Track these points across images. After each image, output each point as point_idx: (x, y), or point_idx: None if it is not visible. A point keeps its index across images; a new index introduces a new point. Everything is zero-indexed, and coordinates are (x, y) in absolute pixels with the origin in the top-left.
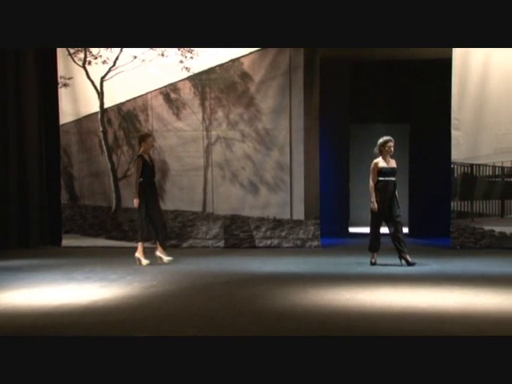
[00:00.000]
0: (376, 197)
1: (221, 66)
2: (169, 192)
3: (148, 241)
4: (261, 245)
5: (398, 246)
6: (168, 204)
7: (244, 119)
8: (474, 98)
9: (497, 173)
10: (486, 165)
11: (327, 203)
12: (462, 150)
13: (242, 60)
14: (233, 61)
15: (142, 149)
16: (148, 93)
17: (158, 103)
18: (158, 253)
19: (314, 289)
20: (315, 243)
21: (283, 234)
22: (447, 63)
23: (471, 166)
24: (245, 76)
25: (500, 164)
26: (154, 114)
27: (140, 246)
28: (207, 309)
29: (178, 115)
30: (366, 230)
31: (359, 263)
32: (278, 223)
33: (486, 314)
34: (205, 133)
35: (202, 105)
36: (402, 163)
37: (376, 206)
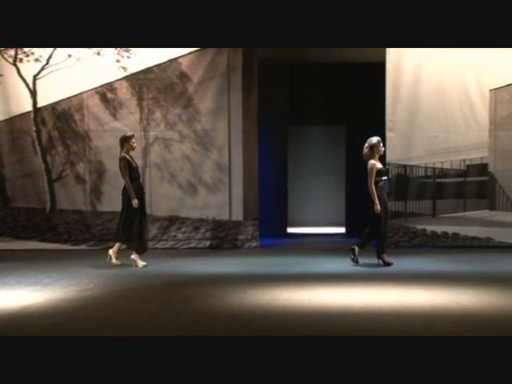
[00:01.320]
0: (378, 197)
1: (158, 65)
2: (106, 193)
3: (122, 241)
4: (200, 246)
5: (363, 243)
6: (105, 205)
7: (182, 120)
8: (407, 100)
9: (429, 174)
10: (418, 166)
11: (266, 204)
12: (396, 151)
13: (180, 60)
14: (171, 61)
15: (124, 150)
16: (83, 92)
17: (94, 103)
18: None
19: (253, 289)
20: (254, 244)
21: (222, 234)
22: (382, 66)
23: (405, 166)
24: (183, 76)
25: (432, 165)
26: (89, 114)
27: (117, 245)
28: (146, 310)
29: (114, 115)
30: (305, 230)
31: (297, 263)
32: (217, 224)
33: (420, 311)
34: (142, 133)
35: (140, 105)
36: (338, 164)
37: (379, 207)
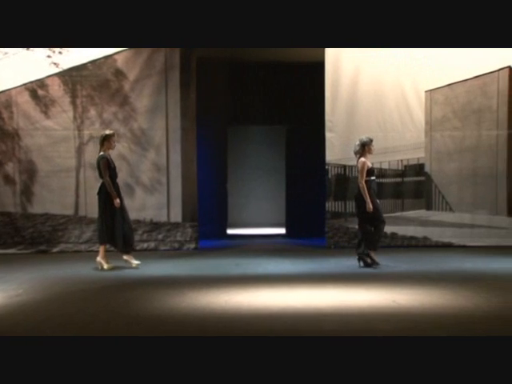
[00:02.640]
0: (370, 196)
1: (93, 62)
2: (37, 194)
3: (106, 243)
4: (137, 248)
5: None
6: (37, 207)
7: (118, 118)
8: (346, 101)
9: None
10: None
11: (205, 205)
12: (335, 151)
13: (116, 57)
14: (106, 58)
15: (103, 148)
16: (12, 88)
17: (24, 100)
18: (126, 257)
19: (193, 292)
20: (193, 246)
21: (160, 236)
22: (321, 66)
23: (344, 167)
24: (119, 74)
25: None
26: (19, 112)
27: (102, 249)
28: (81, 314)
29: (46, 113)
30: (245, 231)
31: (238, 265)
32: (154, 226)
33: (359, 311)
34: (76, 132)
35: (73, 103)
36: (279, 164)
37: (371, 206)
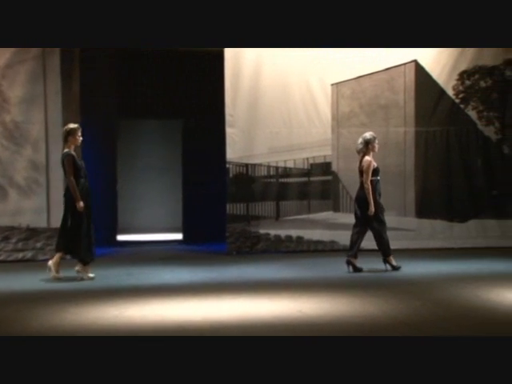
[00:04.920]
0: (373, 198)
1: None
2: None
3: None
4: (10, 259)
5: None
6: None
7: None
8: (247, 93)
9: (271, 173)
10: (261, 165)
11: (92, 208)
12: (236, 148)
13: None
14: None
15: (68, 144)
16: None
17: None
18: (79, 268)
19: (77, 307)
20: None
21: (39, 245)
22: (220, 54)
23: (246, 165)
24: None
25: (275, 164)
26: None
27: (57, 256)
28: None
29: None
30: (137, 237)
31: (129, 274)
32: (32, 232)
33: (262, 323)
34: None
35: None
36: (174, 164)
37: (373, 209)
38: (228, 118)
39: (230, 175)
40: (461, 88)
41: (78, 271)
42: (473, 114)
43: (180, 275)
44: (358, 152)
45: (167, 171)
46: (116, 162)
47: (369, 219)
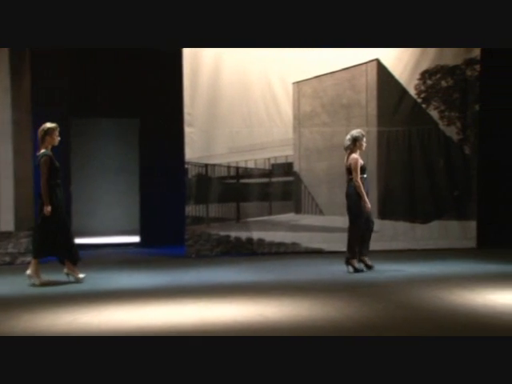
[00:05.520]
0: (362, 195)
1: None
2: None
3: (43, 257)
4: None
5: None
6: None
7: None
8: (207, 91)
9: (232, 174)
10: (220, 165)
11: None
12: (195, 148)
13: None
14: None
15: (44, 145)
16: None
17: None
18: (68, 270)
19: (29, 313)
20: (29, 259)
21: None
22: (179, 52)
23: (206, 166)
24: None
25: (235, 164)
26: None
27: (34, 262)
28: None
29: None
30: (92, 240)
31: (84, 279)
32: None
33: (222, 325)
34: None
35: None
36: (131, 164)
37: (369, 204)
38: (186, 116)
39: (189, 176)
40: (422, 87)
41: (67, 273)
42: (435, 114)
43: (138, 279)
44: (345, 149)
45: (124, 172)
46: (69, 163)
47: (359, 216)
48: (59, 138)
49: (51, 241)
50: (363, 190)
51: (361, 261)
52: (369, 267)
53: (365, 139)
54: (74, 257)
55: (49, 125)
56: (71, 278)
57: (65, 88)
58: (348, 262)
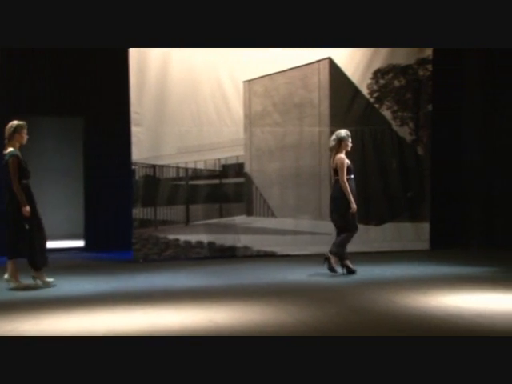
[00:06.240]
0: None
1: None
2: None
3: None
4: None
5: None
6: None
7: None
8: (154, 89)
9: (181, 175)
10: (169, 166)
11: None
12: (143, 148)
13: None
14: None
15: (12, 143)
16: None
17: None
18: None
19: None
20: None
21: None
22: (125, 50)
23: (154, 167)
24: None
25: (184, 165)
26: None
27: (11, 264)
28: None
29: None
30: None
31: (25, 286)
32: None
33: (170, 332)
34: None
35: None
36: (74, 164)
37: (355, 205)
38: (133, 115)
39: (136, 177)
40: (375, 87)
41: (33, 277)
42: (387, 114)
43: (82, 286)
44: (331, 149)
45: (67, 172)
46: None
47: (346, 219)
48: (27, 136)
49: (27, 242)
50: (349, 191)
51: (343, 265)
52: (352, 271)
53: (350, 139)
54: (41, 262)
55: (17, 122)
56: (38, 282)
57: (3, 85)
58: (342, 264)
